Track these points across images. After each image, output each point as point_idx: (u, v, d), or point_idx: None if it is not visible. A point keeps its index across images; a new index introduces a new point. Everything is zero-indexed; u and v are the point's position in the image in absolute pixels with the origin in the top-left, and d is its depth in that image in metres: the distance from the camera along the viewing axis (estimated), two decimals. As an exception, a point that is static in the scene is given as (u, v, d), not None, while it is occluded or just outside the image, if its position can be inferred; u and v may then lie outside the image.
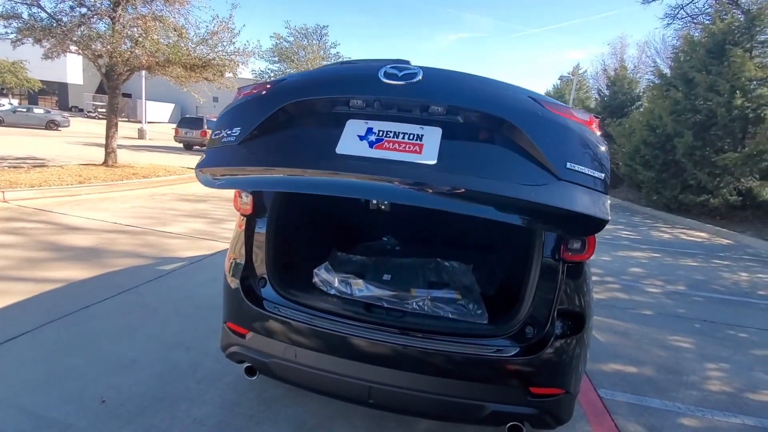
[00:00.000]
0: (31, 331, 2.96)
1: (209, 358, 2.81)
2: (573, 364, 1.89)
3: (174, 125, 20.71)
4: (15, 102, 33.16)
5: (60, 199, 7.02)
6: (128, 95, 38.82)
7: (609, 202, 1.62)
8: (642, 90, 20.90)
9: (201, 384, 2.55)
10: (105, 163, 10.01)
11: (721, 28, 11.52)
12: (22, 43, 8.94)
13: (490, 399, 1.83)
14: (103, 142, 10.24)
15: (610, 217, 1.55)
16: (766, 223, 10.54)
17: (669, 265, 6.80)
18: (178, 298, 3.72)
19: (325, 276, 2.27)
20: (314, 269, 2.35)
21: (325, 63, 27.72)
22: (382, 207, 1.57)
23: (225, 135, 1.91)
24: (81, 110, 41.19)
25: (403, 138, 1.70)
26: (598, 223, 1.53)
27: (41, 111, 25.17)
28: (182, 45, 9.65)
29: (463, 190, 1.58)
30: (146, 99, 25.50)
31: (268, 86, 1.99)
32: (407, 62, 1.88)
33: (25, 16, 8.67)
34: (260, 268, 2.16)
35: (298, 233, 2.56)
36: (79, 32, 8.85)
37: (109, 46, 8.76)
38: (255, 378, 2.15)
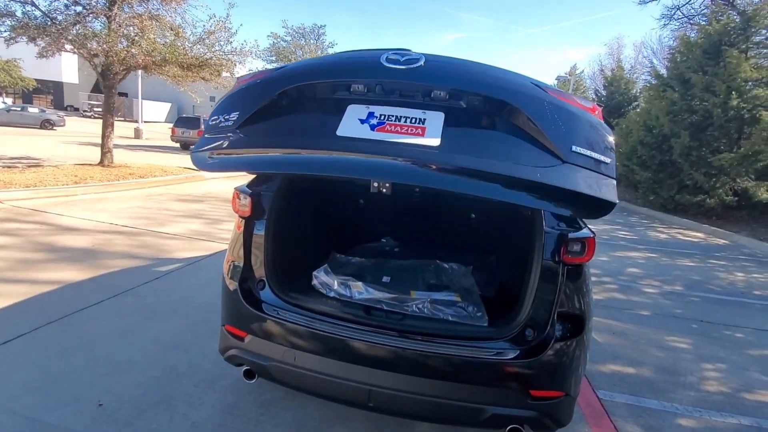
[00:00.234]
0: (27, 334, 2.93)
1: (207, 360, 2.79)
2: (573, 367, 1.89)
3: (171, 125, 20.61)
4: (9, 101, 32.90)
5: (55, 199, 6.97)
6: (124, 94, 38.60)
7: (616, 185, 1.60)
8: (639, 90, 21.01)
9: (199, 386, 2.54)
10: (101, 163, 9.95)
11: (717, 29, 11.57)
12: (16, 42, 8.87)
13: (490, 402, 1.82)
14: (99, 141, 10.18)
15: (617, 201, 1.55)
16: (761, 223, 10.60)
17: (666, 265, 6.83)
18: (175, 299, 3.70)
19: (324, 278, 2.26)
20: (313, 271, 2.34)
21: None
22: (383, 190, 1.53)
23: (222, 120, 1.89)
24: (76, 109, 40.95)
25: (405, 122, 1.68)
26: (606, 206, 1.52)
27: (36, 110, 24.98)
28: (179, 44, 9.61)
29: (468, 168, 1.56)
30: (143, 98, 25.38)
31: (268, 73, 1.97)
32: (408, 51, 1.86)
33: (19, 14, 8.62)
34: (259, 270, 2.15)
35: (297, 235, 2.54)
36: (75, 31, 8.79)
37: (105, 45, 8.71)
38: (254, 381, 2.13)
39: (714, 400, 2.98)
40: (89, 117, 35.63)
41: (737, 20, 11.74)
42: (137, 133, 23.02)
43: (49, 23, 8.64)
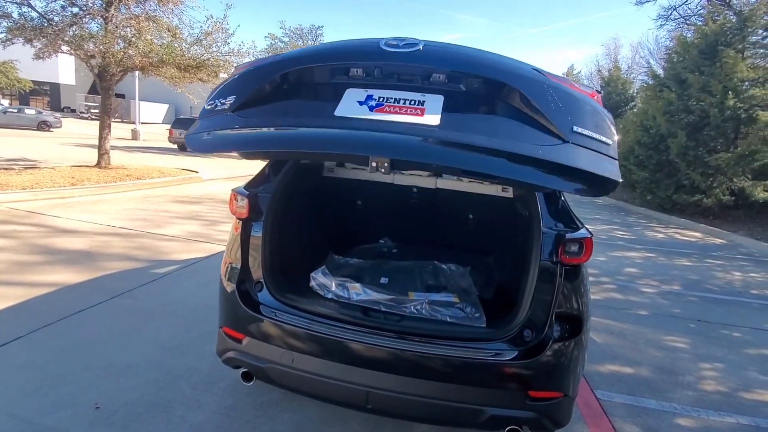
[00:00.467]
0: (24, 336, 2.92)
1: (205, 362, 2.78)
2: (571, 367, 1.89)
3: (168, 126, 20.57)
4: (6, 103, 32.77)
5: (52, 201, 6.94)
6: (121, 96, 38.48)
7: (618, 165, 1.60)
8: (636, 90, 21.08)
9: (197, 389, 2.53)
10: (98, 164, 9.92)
11: (714, 29, 11.61)
12: (12, 43, 8.85)
13: (489, 403, 1.82)
14: (96, 143, 10.16)
15: (620, 179, 1.55)
16: (758, 222, 10.63)
17: (663, 265, 6.85)
18: (173, 301, 3.69)
19: (322, 280, 2.25)
20: (311, 273, 2.33)
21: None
22: (382, 170, 1.52)
23: (218, 104, 1.88)
24: (73, 111, 40.79)
25: (404, 103, 1.68)
26: (609, 184, 1.51)
27: (32, 112, 24.92)
28: (176, 45, 9.60)
29: (469, 143, 1.56)
30: (140, 100, 25.33)
31: (266, 59, 1.97)
32: (407, 37, 1.87)
33: (15, 15, 8.59)
34: (256, 272, 2.14)
35: (294, 237, 2.54)
36: (71, 32, 8.77)
37: (101, 47, 8.69)
38: (251, 383, 2.13)
39: (712, 399, 2.98)
40: (86, 118, 35.50)
41: (733, 20, 11.79)
42: (134, 135, 22.97)
43: (45, 24, 8.62)
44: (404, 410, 1.91)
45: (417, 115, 1.64)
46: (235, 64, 10.62)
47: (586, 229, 1.97)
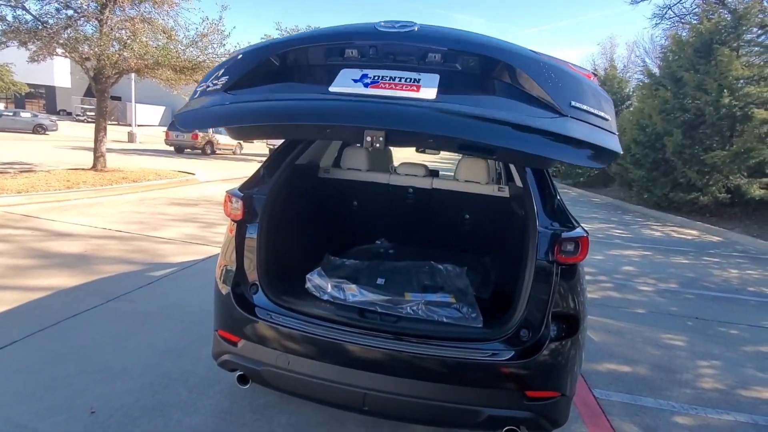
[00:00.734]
0: (19, 341, 2.90)
1: (201, 365, 2.77)
2: (568, 367, 1.88)
3: (165, 128, 20.52)
4: (1, 106, 32.61)
5: (47, 204, 6.91)
6: (118, 98, 38.31)
7: (618, 140, 1.59)
8: (632, 89, 21.12)
9: (193, 392, 2.51)
10: (94, 167, 9.87)
11: (709, 27, 11.65)
12: (7, 46, 8.79)
13: (486, 404, 1.81)
14: (92, 146, 10.11)
15: (621, 151, 1.55)
16: (754, 220, 10.67)
17: (661, 263, 6.86)
18: (169, 304, 3.67)
19: (317, 281, 2.24)
20: (307, 274, 2.32)
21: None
22: (377, 144, 1.49)
23: (210, 84, 1.86)
24: (69, 114, 40.63)
25: (400, 81, 1.67)
26: (610, 155, 1.50)
27: (28, 115, 24.83)
28: (171, 47, 9.56)
29: (467, 112, 1.54)
30: (136, 102, 25.25)
31: (260, 43, 1.96)
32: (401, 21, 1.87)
33: (9, 18, 8.53)
34: (252, 274, 2.13)
35: (290, 238, 2.53)
36: (66, 35, 8.72)
37: (96, 49, 8.65)
38: (247, 386, 2.11)
39: (710, 397, 2.99)
40: (82, 121, 35.38)
41: (728, 19, 11.84)
42: (131, 137, 22.90)
43: (40, 27, 8.57)
44: (401, 412, 1.90)
45: (413, 90, 1.62)
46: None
47: (582, 228, 1.96)
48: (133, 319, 3.34)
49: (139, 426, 2.21)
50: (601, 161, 1.58)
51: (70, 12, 8.84)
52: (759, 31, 11.70)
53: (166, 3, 9.27)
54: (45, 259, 4.48)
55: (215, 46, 10.18)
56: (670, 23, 18.24)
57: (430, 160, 17.90)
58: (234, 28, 16.21)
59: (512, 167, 2.43)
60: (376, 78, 1.69)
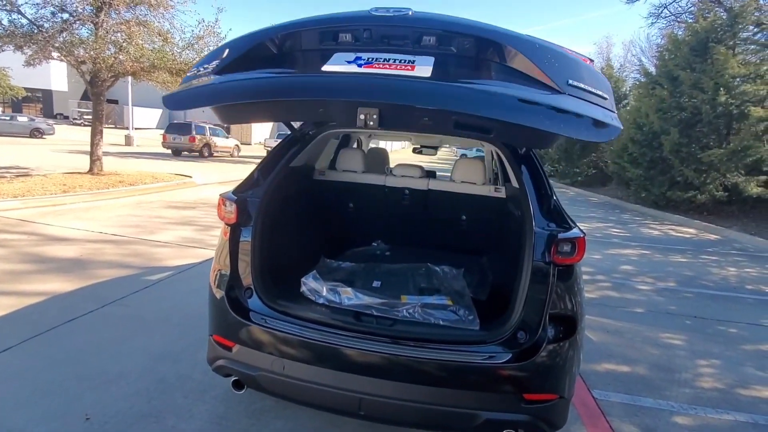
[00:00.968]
0: (15, 347, 2.88)
1: (197, 370, 2.74)
2: (566, 369, 1.86)
3: (162, 131, 20.49)
4: (-2, 110, 32.53)
5: (44, 209, 6.87)
6: (115, 101, 38.26)
7: (617, 118, 1.56)
8: (628, 88, 21.15)
9: (188, 398, 2.49)
10: (90, 171, 9.84)
11: (704, 26, 11.67)
12: (3, 50, 8.76)
13: (484, 407, 1.79)
14: (89, 149, 10.08)
15: (621, 126, 1.52)
16: (751, 217, 10.68)
17: (659, 261, 6.85)
18: (165, 308, 3.64)
19: (313, 285, 2.22)
20: (302, 278, 2.30)
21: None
22: (371, 123, 1.44)
23: (201, 69, 1.83)
24: (66, 117, 40.50)
25: (394, 62, 1.64)
26: (610, 129, 1.46)
27: (25, 119, 24.74)
28: (167, 50, 9.53)
29: (463, 86, 1.52)
30: (133, 105, 25.21)
31: (253, 31, 1.94)
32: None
33: (5, 22, 8.51)
34: (246, 278, 2.11)
35: (285, 241, 2.51)
36: (61, 38, 8.69)
37: (92, 52, 8.62)
38: (242, 392, 2.09)
39: (709, 396, 2.97)
40: (79, 125, 35.27)
41: (724, 17, 11.86)
42: (128, 140, 22.85)
43: (35, 31, 8.54)
44: (397, 416, 1.88)
45: (407, 69, 1.60)
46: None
47: (579, 228, 1.95)
48: (128, 324, 3.32)
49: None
50: (602, 136, 1.50)
51: (65, 15, 8.81)
52: (755, 29, 11.73)
53: (162, 5, 9.25)
54: (41, 264, 4.46)
55: (211, 48, 10.16)
56: (666, 22, 18.29)
57: (427, 161, 17.90)
58: (230, 30, 16.21)
59: (508, 168, 2.41)
60: (370, 60, 1.66)
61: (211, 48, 10.10)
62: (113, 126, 36.72)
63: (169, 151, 19.45)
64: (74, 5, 8.76)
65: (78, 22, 8.88)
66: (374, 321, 2.02)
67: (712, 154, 10.79)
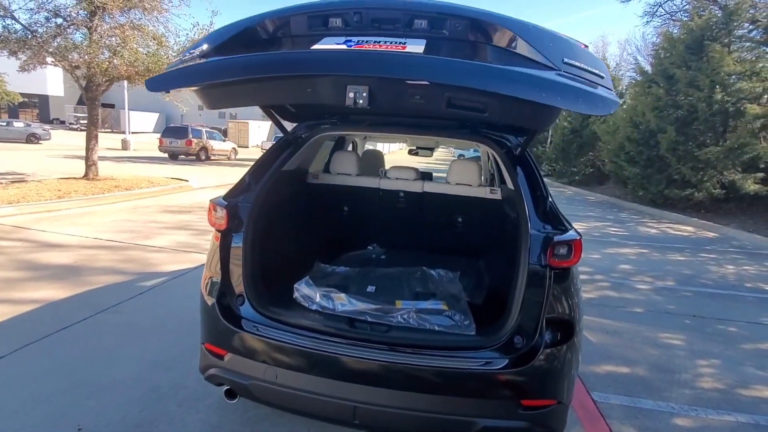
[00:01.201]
0: (7, 356, 2.84)
1: (191, 378, 2.70)
2: (564, 373, 1.83)
3: (159, 135, 20.44)
4: (-6, 116, 32.42)
5: (38, 215, 6.82)
6: (111, 106, 38.18)
7: (615, 95, 1.53)
8: (624, 87, 21.18)
9: (182, 407, 2.45)
10: (86, 176, 9.79)
11: (699, 24, 11.68)
12: (-2, 56, 8.72)
13: (480, 414, 1.76)
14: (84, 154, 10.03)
15: (620, 101, 1.50)
16: (749, 215, 10.68)
17: (657, 260, 6.83)
18: (160, 314, 3.60)
19: (305, 291, 2.18)
20: (295, 284, 2.26)
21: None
22: (360, 101, 1.48)
23: (187, 55, 1.79)
24: (63, 122, 40.41)
25: (385, 44, 1.62)
26: (608, 103, 1.42)
27: (21, 124, 24.66)
28: (162, 54, 9.48)
29: (459, 59, 1.49)
30: (130, 109, 25.12)
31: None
32: None
33: (-2, 28, 8.45)
34: (238, 285, 2.07)
35: (277, 246, 2.47)
36: (55, 43, 8.64)
37: (86, 57, 8.57)
38: (235, 401, 2.05)
39: (710, 397, 2.95)
40: (76, 129, 35.17)
41: (719, 15, 11.87)
42: (125, 145, 22.78)
43: (29, 36, 8.50)
44: (392, 424, 1.84)
45: (399, 48, 1.57)
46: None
47: (575, 230, 1.92)
48: (122, 331, 3.27)
49: (126, 443, 2.15)
50: (599, 108, 1.45)
51: (59, 20, 8.76)
52: (750, 27, 11.74)
53: (156, 9, 9.20)
54: (35, 271, 4.41)
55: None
56: (661, 21, 18.34)
57: (425, 162, 17.89)
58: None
59: (504, 169, 2.38)
60: (360, 42, 1.64)
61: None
62: (110, 130, 36.65)
63: (166, 155, 19.38)
64: (68, 10, 8.72)
65: (72, 26, 8.83)
66: (368, 327, 1.99)
67: (709, 152, 10.79)
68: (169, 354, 2.99)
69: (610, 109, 1.43)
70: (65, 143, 23.47)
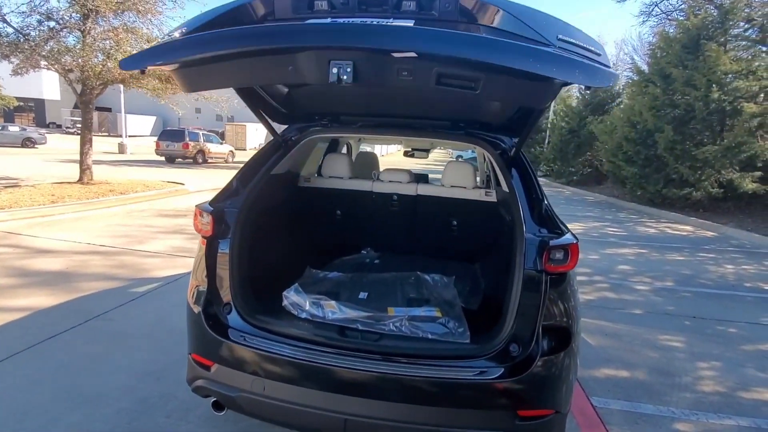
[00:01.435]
0: (-10, 367, 2.77)
1: (180, 388, 2.62)
2: (562, 382, 1.77)
3: (156, 138, 20.37)
4: (-10, 120, 32.27)
5: (31, 220, 6.74)
6: (108, 109, 38.13)
7: (613, 71, 1.46)
8: (621, 87, 21.17)
9: (171, 418, 2.39)
10: (80, 180, 9.71)
11: (695, 23, 11.67)
12: (-9, 60, 8.65)
13: (475, 425, 1.70)
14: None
15: (618, 74, 1.44)
16: (747, 213, 10.65)
17: (656, 260, 6.79)
18: (150, 322, 3.54)
19: (295, 298, 2.12)
20: (284, 291, 2.20)
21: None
22: (344, 77, 1.42)
23: (167, 37, 1.72)
24: (59, 126, 40.30)
25: (372, 22, 1.57)
26: (606, 75, 1.36)
27: (17, 129, 24.55)
28: (156, 56, 9.42)
29: (453, 31, 1.42)
30: (126, 112, 25.05)
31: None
32: None
33: (-9, 32, 8.39)
34: (225, 293, 2.00)
35: (267, 253, 2.41)
36: (48, 47, 8.57)
37: (79, 60, 8.51)
38: (223, 413, 1.99)
39: (711, 401, 2.90)
40: (72, 133, 35.03)
41: (715, 14, 11.86)
42: (121, 148, 22.69)
43: (22, 40, 8.43)
44: None
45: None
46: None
47: (572, 233, 1.86)
48: (112, 340, 3.21)
49: (112, 457, 2.09)
50: (598, 80, 1.38)
51: (52, 23, 8.70)
52: (746, 26, 11.73)
53: (150, 12, 9.15)
54: (25, 278, 4.34)
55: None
56: (657, 20, 18.37)
57: (422, 164, 17.84)
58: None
59: (499, 171, 2.32)
60: (346, 21, 1.61)
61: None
62: (106, 134, 36.55)
63: (163, 159, 19.31)
64: (60, 13, 8.65)
65: (65, 29, 8.77)
66: (359, 336, 1.92)
67: (707, 151, 10.77)
68: (159, 363, 2.92)
69: (608, 80, 1.37)
70: (61, 147, 23.37)
